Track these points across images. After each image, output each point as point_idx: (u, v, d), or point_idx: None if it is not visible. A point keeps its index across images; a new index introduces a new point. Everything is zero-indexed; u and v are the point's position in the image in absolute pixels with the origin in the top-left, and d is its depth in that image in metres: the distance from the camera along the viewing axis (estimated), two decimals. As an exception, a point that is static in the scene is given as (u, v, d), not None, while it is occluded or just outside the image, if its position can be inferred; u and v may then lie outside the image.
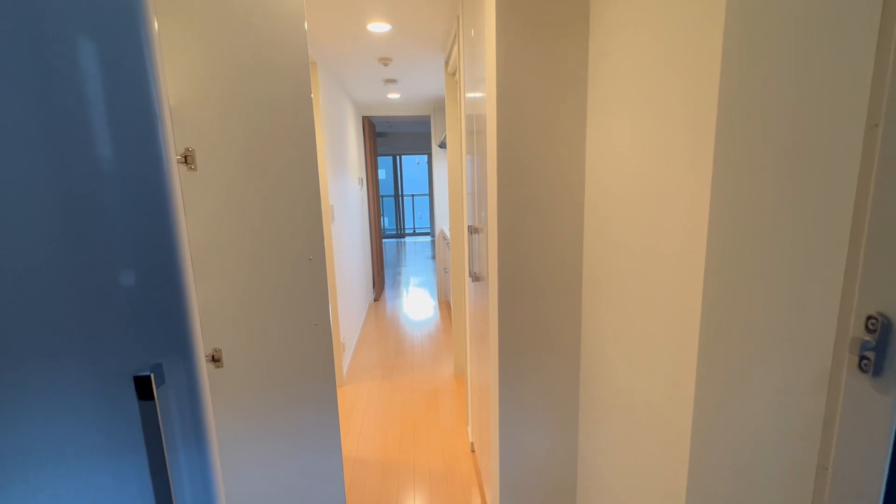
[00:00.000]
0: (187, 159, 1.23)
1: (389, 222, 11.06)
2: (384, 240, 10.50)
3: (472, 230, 1.86)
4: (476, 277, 1.85)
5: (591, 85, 1.21)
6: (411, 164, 11.04)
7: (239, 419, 1.37)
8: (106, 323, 0.62)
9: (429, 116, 5.18)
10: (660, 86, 0.85)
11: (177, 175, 0.65)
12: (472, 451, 2.37)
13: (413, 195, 11.18)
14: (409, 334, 4.17)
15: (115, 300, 0.62)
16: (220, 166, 1.24)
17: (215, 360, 1.33)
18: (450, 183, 3.01)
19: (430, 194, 10.16)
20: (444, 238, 4.83)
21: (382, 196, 10.40)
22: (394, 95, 4.38)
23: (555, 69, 1.22)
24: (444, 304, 5.09)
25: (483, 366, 1.79)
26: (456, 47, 2.44)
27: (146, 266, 0.62)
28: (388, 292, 5.80)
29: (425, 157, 10.33)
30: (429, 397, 2.98)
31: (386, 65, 3.14)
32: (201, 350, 0.69)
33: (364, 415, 2.77)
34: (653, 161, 0.89)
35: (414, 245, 10.01)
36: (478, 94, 1.67)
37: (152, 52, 0.60)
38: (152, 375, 0.62)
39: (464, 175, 2.26)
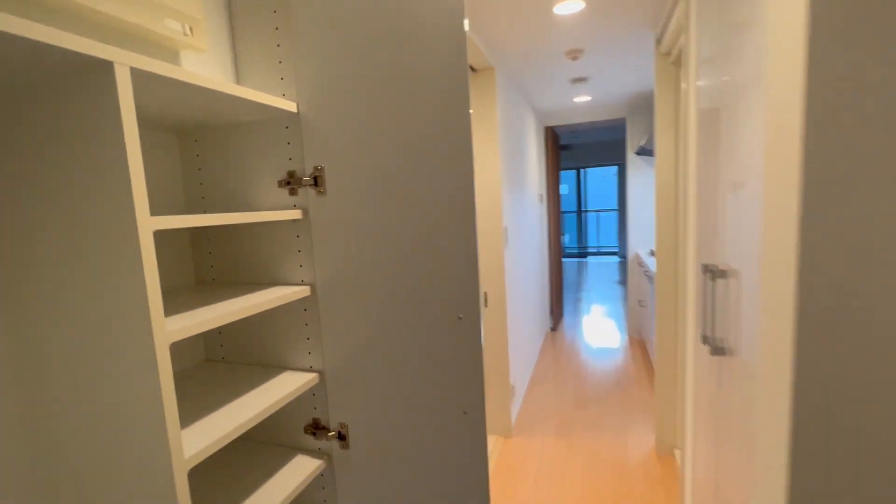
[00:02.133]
0: (317, 181, 0.98)
1: (570, 240, 10.27)
2: (564, 259, 9.78)
3: (712, 271, 1.19)
4: (717, 348, 1.17)
5: None
6: (596, 178, 10.05)
7: (367, 514, 1.05)
8: None
9: (623, 120, 4.40)
10: None
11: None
12: (691, 593, 1.60)
13: (598, 211, 10.15)
14: (593, 379, 3.47)
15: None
16: (352, 192, 0.95)
17: (341, 436, 1.04)
18: (657, 198, 2.29)
19: (622, 210, 9.00)
20: (641, 264, 3.95)
21: (563, 212, 9.72)
22: (582, 98, 3.80)
23: None
24: (637, 344, 4.17)
25: (730, 474, 1.09)
26: (676, 15, 1.77)
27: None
28: (566, 320, 5.15)
29: (615, 168, 9.23)
30: (620, 475, 2.27)
31: (575, 59, 2.62)
32: None
33: (534, 482, 2.26)
34: None
35: (598, 266, 8.99)
36: (727, 78, 1.03)
37: None
38: None
39: (685, 188, 1.57)
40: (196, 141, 1.10)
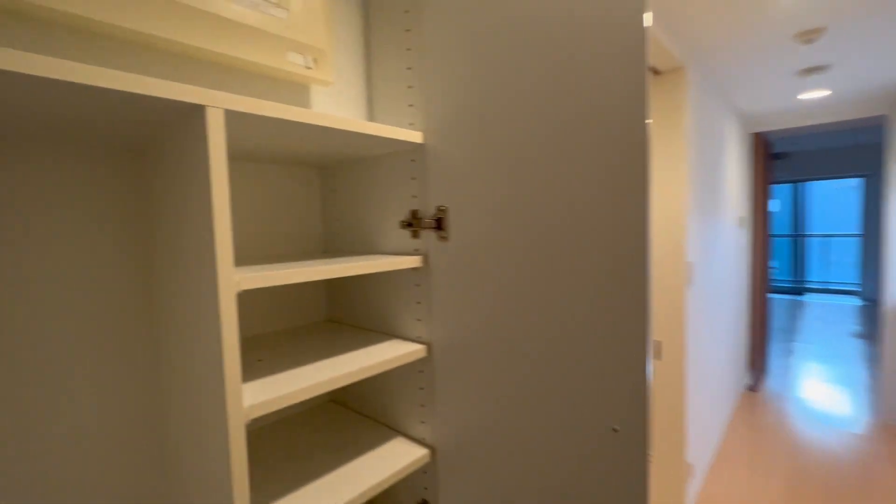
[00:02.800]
0: (439, 223, 0.81)
1: (781, 271, 8.17)
2: (772, 295, 7.82)
3: None
4: None
5: None
6: (823, 193, 7.75)
7: None
8: None
9: (882, 118, 3.20)
10: None
11: None
12: None
13: (825, 235, 7.83)
14: (813, 471, 2.53)
15: None
16: (479, 239, 0.76)
17: (449, 536, 0.85)
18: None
19: (870, 236, 6.76)
20: (908, 321, 2.77)
21: (773, 236, 7.78)
22: (813, 94, 2.88)
23: None
24: (892, 434, 2.93)
25: None
26: None
27: None
28: (772, 377, 3.99)
29: (856, 180, 6.98)
30: None
31: (809, 42, 1.94)
32: None
33: None
34: None
35: (822, 308, 6.90)
36: None
37: None
38: None
39: None
40: (334, 176, 1.07)
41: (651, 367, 0.65)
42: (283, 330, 1.03)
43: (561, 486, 0.69)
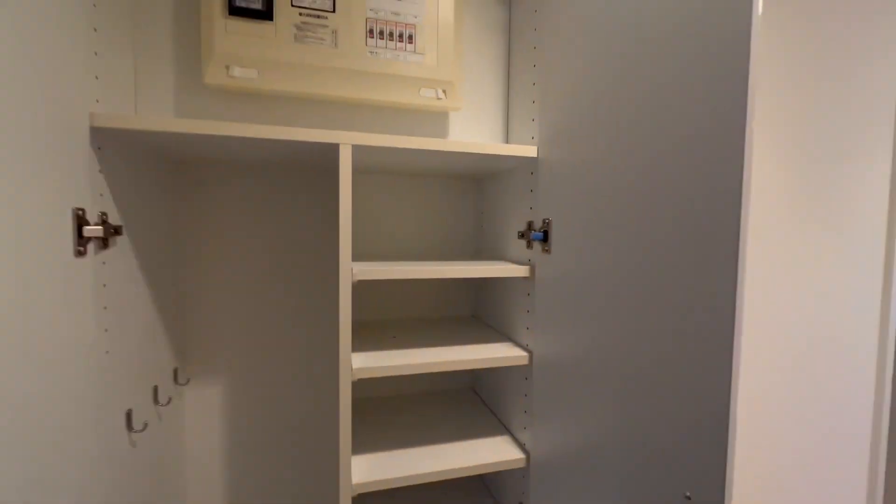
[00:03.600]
0: (545, 235, 0.82)
1: None
2: None
3: None
4: None
5: None
6: None
7: None
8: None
9: None
10: None
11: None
12: None
13: None
14: None
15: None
16: (578, 252, 0.73)
17: (532, 546, 0.84)
18: None
19: None
20: None
21: None
22: None
23: None
24: None
25: None
26: None
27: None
28: None
29: None
30: None
31: None
32: None
33: None
34: None
35: None
36: None
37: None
38: None
39: None
40: (485, 189, 1.19)
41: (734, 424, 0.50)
42: (433, 318, 1.21)
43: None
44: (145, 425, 0.81)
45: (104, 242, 0.67)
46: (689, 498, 0.53)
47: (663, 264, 0.55)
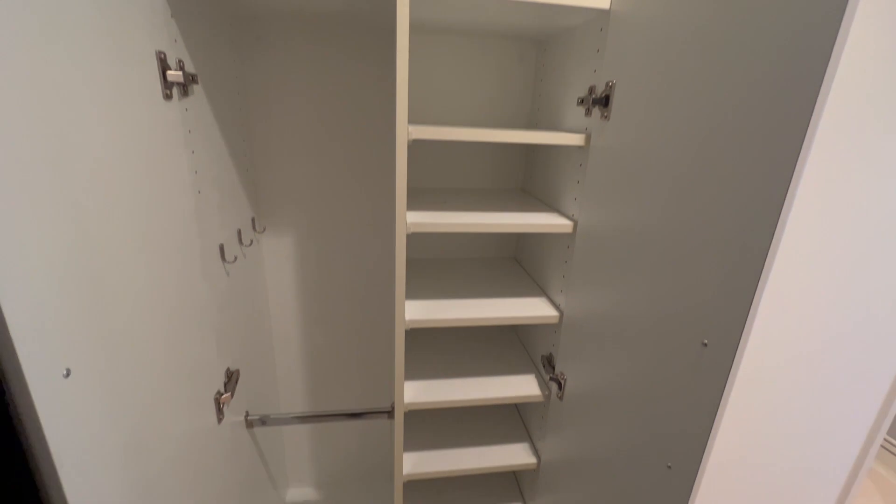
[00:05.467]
0: (607, 100, 0.78)
1: None
2: None
3: None
4: None
5: None
6: None
7: None
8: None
9: None
10: None
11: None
12: None
13: None
14: None
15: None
16: (640, 121, 0.70)
17: (560, 386, 0.97)
18: None
19: None
20: None
21: None
22: None
23: None
24: None
25: None
26: None
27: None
28: None
29: None
30: None
31: None
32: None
33: None
34: None
35: None
36: None
37: None
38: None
39: None
40: (546, 51, 1.10)
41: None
42: (482, 189, 1.25)
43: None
44: (235, 258, 0.96)
45: (184, 89, 0.73)
46: (705, 344, 0.58)
47: (722, 144, 0.52)
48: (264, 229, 1.20)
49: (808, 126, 0.43)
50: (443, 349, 1.22)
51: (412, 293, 1.05)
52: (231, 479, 0.95)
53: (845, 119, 0.45)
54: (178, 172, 0.72)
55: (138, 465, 0.57)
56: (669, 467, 0.65)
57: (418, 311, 0.96)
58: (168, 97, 0.67)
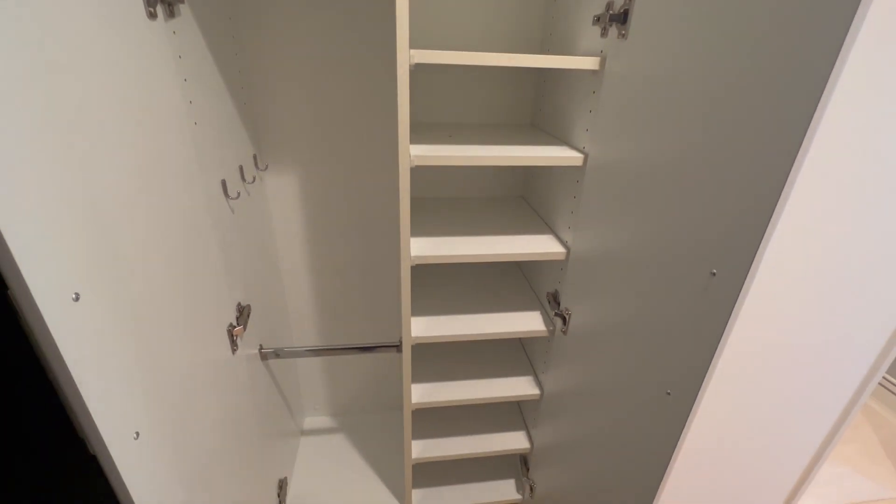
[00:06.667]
0: (625, 16, 0.71)
1: None
2: None
3: None
4: None
5: None
6: None
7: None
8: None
9: None
10: None
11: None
12: None
13: None
14: None
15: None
16: (662, 38, 0.64)
17: (564, 321, 0.99)
18: None
19: None
20: None
21: None
22: None
23: None
24: None
25: None
26: None
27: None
28: None
29: None
30: None
31: None
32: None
33: None
34: None
35: None
36: None
37: None
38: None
39: None
40: (561, -36, 1.01)
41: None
42: (489, 123, 1.20)
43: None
44: (238, 194, 0.95)
45: (170, 9, 0.68)
46: (714, 274, 0.58)
47: (747, 65, 0.48)
48: (266, 167, 1.18)
49: (840, 50, 0.39)
50: (450, 286, 1.23)
51: (418, 230, 1.04)
52: (249, 405, 1.01)
53: (875, 48, 0.40)
54: (172, 101, 0.69)
55: (156, 388, 0.60)
56: (668, 394, 0.67)
57: (424, 248, 0.95)
58: (152, 15, 0.63)
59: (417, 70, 1.11)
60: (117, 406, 0.51)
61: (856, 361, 0.66)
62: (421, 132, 1.03)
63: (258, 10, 1.02)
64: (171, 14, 0.69)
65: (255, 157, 1.12)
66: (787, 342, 0.62)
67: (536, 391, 1.18)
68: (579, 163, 0.88)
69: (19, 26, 0.40)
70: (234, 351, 0.91)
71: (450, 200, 1.26)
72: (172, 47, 0.69)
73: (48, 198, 0.42)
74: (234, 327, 0.91)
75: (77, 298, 0.44)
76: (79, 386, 0.44)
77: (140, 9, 0.61)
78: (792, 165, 0.45)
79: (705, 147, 0.56)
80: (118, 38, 0.55)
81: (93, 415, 0.46)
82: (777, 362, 0.64)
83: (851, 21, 0.38)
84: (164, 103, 0.66)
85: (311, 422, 1.64)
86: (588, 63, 0.80)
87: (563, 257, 0.98)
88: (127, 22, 0.57)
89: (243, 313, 0.96)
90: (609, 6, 0.77)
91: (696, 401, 0.63)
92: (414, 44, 1.07)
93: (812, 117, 0.42)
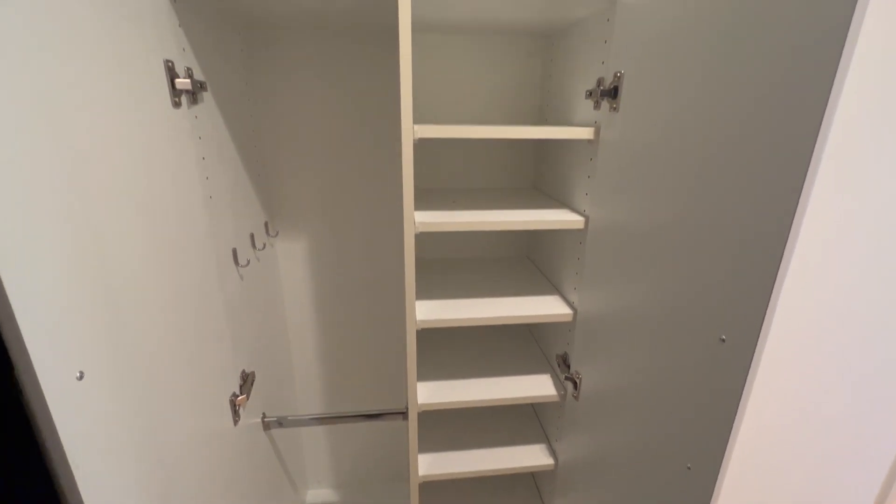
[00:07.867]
0: (615, 91, 0.76)
1: None
2: None
3: None
4: None
5: None
6: None
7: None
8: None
9: None
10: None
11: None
12: None
13: None
14: None
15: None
16: (650, 111, 0.68)
17: (575, 385, 0.96)
18: None
19: None
20: None
21: None
22: None
23: None
24: None
25: None
26: None
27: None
28: None
29: None
30: None
31: None
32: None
33: None
34: None
35: None
36: None
37: None
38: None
39: None
40: (553, 45, 1.09)
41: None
42: (491, 188, 1.24)
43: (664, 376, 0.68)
44: (248, 262, 0.97)
45: (194, 97, 0.74)
46: (723, 340, 0.56)
47: (735, 133, 0.50)
48: (277, 233, 1.22)
49: (823, 116, 0.41)
50: (457, 349, 1.21)
51: (424, 293, 1.05)
52: (249, 480, 0.96)
53: (864, 108, 0.43)
54: (190, 179, 0.73)
55: (153, 467, 0.58)
56: (689, 468, 0.63)
57: (430, 311, 0.95)
58: (177, 105, 0.68)
59: (421, 141, 1.17)
60: (107, 487, 0.49)
61: (892, 418, 0.62)
62: (425, 198, 1.07)
63: (273, 88, 1.10)
64: (194, 101, 0.75)
65: (266, 225, 1.15)
66: (812, 410, 0.59)
67: (550, 461, 1.12)
68: (581, 226, 0.90)
69: (60, 120, 0.44)
70: (235, 422, 0.89)
71: (456, 261, 1.28)
72: (194, 130, 0.74)
73: (64, 281, 0.44)
74: (238, 396, 0.89)
75: (81, 377, 0.45)
76: (73, 470, 0.43)
77: (166, 99, 0.66)
78: (791, 224, 0.45)
79: (700, 210, 0.57)
80: (143, 125, 0.60)
81: (82, 494, 0.45)
82: (805, 431, 0.60)
83: (831, 86, 0.40)
84: (181, 181, 0.70)
85: (313, 495, 1.56)
86: (583, 133, 0.84)
87: (570, 318, 0.97)
88: (153, 111, 0.63)
89: (247, 381, 0.95)
90: (600, 82, 0.82)
91: (720, 477, 0.59)
92: (418, 116, 1.13)
93: (805, 176, 0.43)
